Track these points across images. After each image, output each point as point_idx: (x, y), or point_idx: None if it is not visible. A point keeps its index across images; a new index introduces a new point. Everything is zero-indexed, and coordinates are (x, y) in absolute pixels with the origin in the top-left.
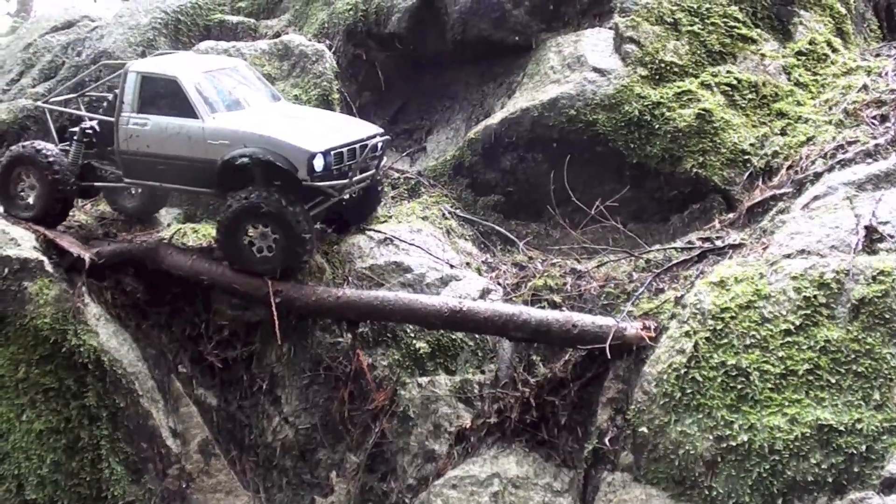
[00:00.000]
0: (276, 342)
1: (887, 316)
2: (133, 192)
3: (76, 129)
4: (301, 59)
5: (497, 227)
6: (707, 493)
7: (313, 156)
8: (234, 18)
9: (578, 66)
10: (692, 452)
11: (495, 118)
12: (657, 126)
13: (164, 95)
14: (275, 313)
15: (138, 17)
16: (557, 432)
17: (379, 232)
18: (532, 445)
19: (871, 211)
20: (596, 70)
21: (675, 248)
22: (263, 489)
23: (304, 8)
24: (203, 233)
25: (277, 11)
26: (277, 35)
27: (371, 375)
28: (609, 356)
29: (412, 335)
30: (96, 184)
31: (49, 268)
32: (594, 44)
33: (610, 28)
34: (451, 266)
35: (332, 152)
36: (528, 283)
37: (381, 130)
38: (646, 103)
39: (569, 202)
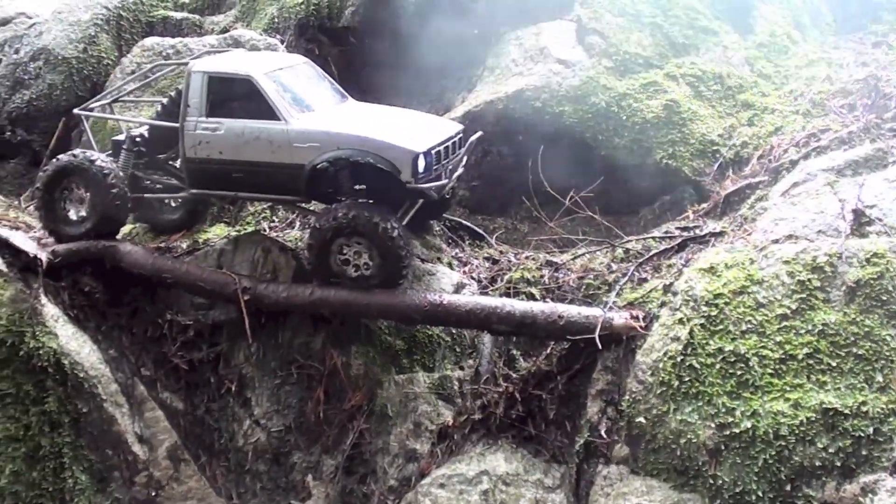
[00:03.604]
0: (244, 342)
1: (884, 298)
2: (172, 204)
3: (122, 137)
4: None
5: (465, 222)
6: (712, 482)
7: (417, 156)
8: (178, 14)
9: (542, 58)
10: (694, 441)
11: (457, 112)
12: (625, 117)
13: (238, 97)
14: (244, 311)
15: (78, 14)
16: (545, 427)
17: None
18: (519, 441)
19: (857, 195)
20: (560, 62)
21: (654, 238)
22: (237, 495)
23: (251, 3)
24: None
25: (223, 7)
26: (225, 31)
27: (346, 374)
28: (600, 347)
29: (386, 332)
30: (146, 195)
31: (3, 267)
32: (556, 35)
33: (570, 20)
34: (423, 261)
35: (433, 152)
36: (504, 276)
37: (462, 127)
38: (612, 94)
39: (537, 195)
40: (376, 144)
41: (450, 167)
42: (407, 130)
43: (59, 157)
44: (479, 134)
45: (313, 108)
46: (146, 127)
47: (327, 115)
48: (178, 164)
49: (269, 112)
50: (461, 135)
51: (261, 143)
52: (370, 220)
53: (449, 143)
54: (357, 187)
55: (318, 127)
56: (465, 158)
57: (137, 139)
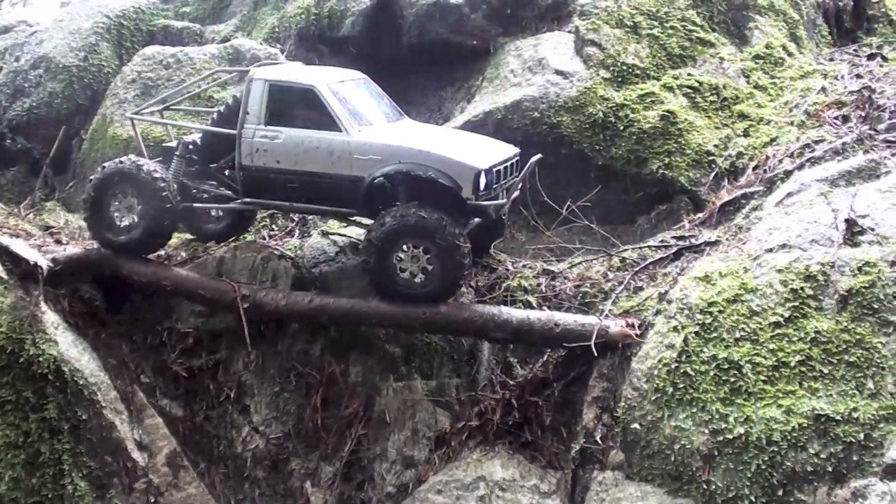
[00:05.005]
0: (243, 350)
1: (875, 306)
2: (217, 213)
3: (173, 143)
4: (253, 63)
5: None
6: (705, 487)
7: (479, 172)
8: (179, 24)
9: (540, 69)
10: (688, 447)
11: (457, 122)
12: (622, 128)
13: (299, 106)
14: (244, 319)
15: (79, 22)
16: (541, 433)
17: (343, 235)
18: (516, 447)
19: (849, 205)
20: (558, 72)
21: (649, 247)
22: (235, 502)
23: (252, 12)
24: None
25: (224, 16)
26: (226, 40)
27: (344, 381)
28: (595, 354)
29: (384, 339)
30: (196, 204)
31: (3, 274)
32: (554, 47)
33: (569, 32)
34: None
35: (494, 170)
36: (502, 284)
37: (518, 150)
38: (610, 105)
39: (534, 205)
40: (438, 159)
41: (506, 189)
42: (467, 148)
43: (108, 163)
44: (538, 157)
45: (372, 122)
46: (197, 134)
47: (386, 129)
48: (228, 172)
49: (330, 123)
50: (518, 157)
51: (320, 153)
52: (434, 219)
53: (507, 164)
54: (416, 202)
55: (380, 140)
56: (521, 182)
57: (190, 146)
